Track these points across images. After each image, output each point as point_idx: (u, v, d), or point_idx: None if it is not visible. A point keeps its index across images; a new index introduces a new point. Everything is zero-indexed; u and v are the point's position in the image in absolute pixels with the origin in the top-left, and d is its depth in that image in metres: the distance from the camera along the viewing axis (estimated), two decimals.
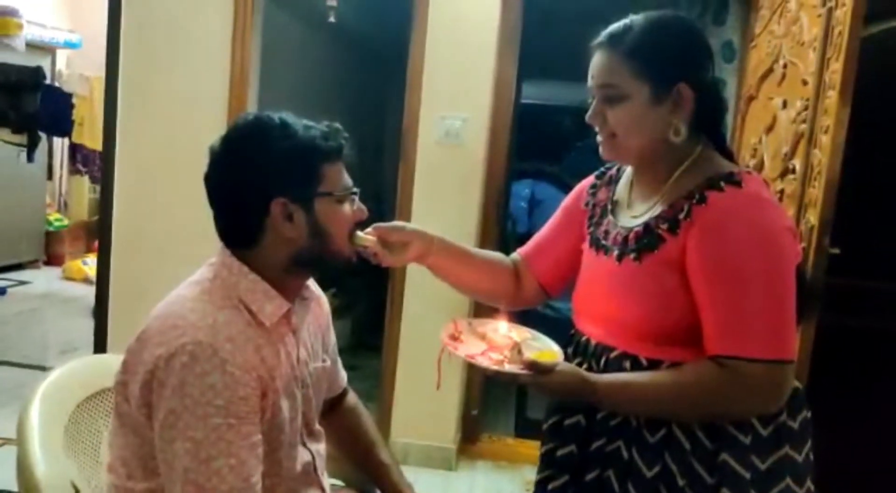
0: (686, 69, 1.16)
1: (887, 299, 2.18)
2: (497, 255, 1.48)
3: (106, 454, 1.17)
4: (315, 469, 1.27)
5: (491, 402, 3.43)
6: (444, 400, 2.99)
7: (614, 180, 1.35)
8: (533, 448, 3.09)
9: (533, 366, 1.09)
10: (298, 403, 1.19)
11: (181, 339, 1.03)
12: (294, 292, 1.21)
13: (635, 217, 1.23)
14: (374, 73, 6.09)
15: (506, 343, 1.17)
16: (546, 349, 1.16)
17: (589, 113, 1.21)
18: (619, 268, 1.20)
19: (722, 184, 1.12)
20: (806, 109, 1.95)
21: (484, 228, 2.97)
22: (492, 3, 2.83)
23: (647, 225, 1.18)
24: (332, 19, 2.81)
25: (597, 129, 1.22)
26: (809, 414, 1.18)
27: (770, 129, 2.23)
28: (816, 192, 1.85)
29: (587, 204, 1.37)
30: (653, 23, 1.18)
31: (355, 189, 1.21)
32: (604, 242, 1.26)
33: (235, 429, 1.02)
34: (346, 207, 1.19)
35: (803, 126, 1.95)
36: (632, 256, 1.18)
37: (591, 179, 1.41)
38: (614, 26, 1.20)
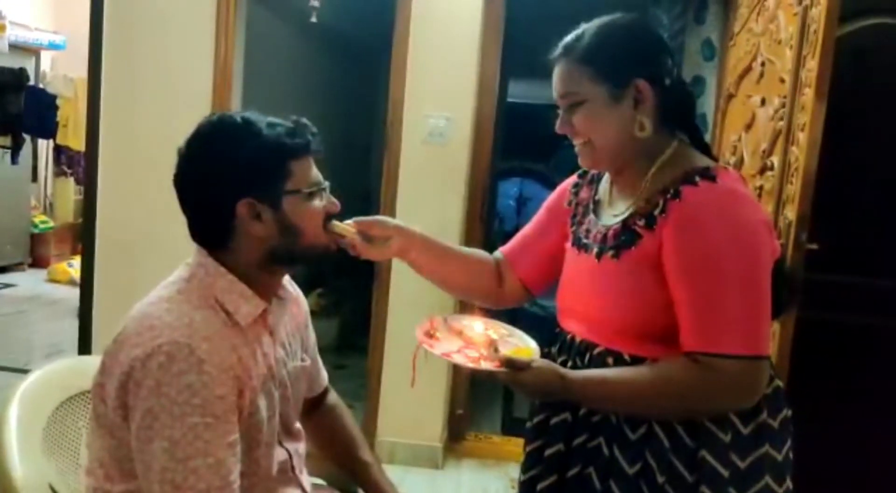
0: (640, 66, 1.17)
1: (865, 294, 2.21)
2: (480, 253, 1.48)
3: (85, 457, 1.16)
4: (293, 469, 1.27)
5: (477, 400, 3.44)
6: (431, 399, 3.00)
7: (596, 179, 1.36)
8: (520, 446, 3.11)
9: (508, 363, 1.10)
10: (276, 402, 1.20)
11: (157, 339, 1.03)
12: (271, 290, 1.22)
13: (615, 215, 1.24)
14: (360, 72, 6.08)
15: (482, 340, 1.17)
16: (523, 346, 1.17)
17: (557, 124, 1.23)
18: (599, 266, 1.20)
19: (696, 178, 1.12)
20: (783, 106, 1.97)
21: (468, 226, 2.98)
22: (474, 3, 2.84)
23: (624, 222, 1.19)
24: (314, 19, 2.80)
25: (571, 137, 1.23)
26: (790, 413, 1.18)
27: (749, 126, 2.25)
28: (794, 188, 1.87)
29: (570, 203, 1.38)
30: (602, 26, 1.20)
31: (325, 184, 1.21)
32: (585, 240, 1.27)
33: (213, 428, 1.02)
34: (316, 202, 1.18)
35: (781, 123, 1.97)
36: (610, 253, 1.19)
37: (573, 178, 1.42)
38: (568, 37, 1.22)
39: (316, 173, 1.20)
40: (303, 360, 1.32)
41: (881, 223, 2.22)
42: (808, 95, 1.82)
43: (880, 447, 2.21)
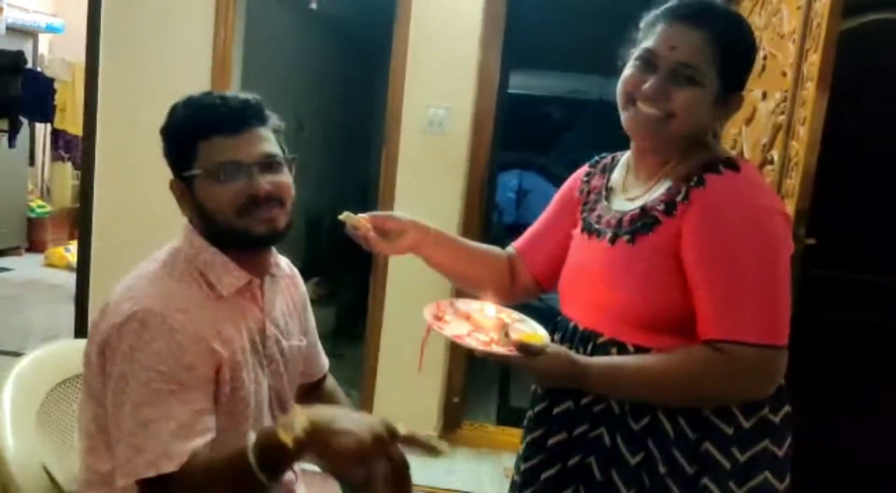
0: (746, 79, 1.17)
1: (863, 290, 2.21)
2: (493, 248, 1.46)
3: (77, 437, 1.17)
4: None
5: (473, 389, 3.45)
6: (426, 388, 3.00)
7: (609, 168, 1.34)
8: (514, 436, 3.12)
9: (522, 347, 1.08)
10: (263, 377, 1.20)
11: (134, 307, 1.06)
12: (255, 267, 1.20)
13: (631, 200, 1.22)
14: (360, 62, 6.06)
15: (491, 325, 1.15)
16: (532, 332, 1.15)
17: (651, 86, 1.13)
18: (612, 250, 1.19)
19: (720, 167, 1.11)
20: (785, 100, 1.96)
21: (467, 217, 2.97)
22: None
23: (643, 208, 1.17)
24: (313, 5, 2.79)
25: (646, 104, 1.14)
26: (790, 409, 1.18)
27: (750, 120, 2.25)
28: (793, 183, 1.87)
29: (581, 191, 1.36)
30: (733, 17, 1.17)
31: (260, 159, 1.13)
32: (596, 225, 1.25)
33: (176, 395, 1.03)
34: (224, 184, 1.11)
35: (782, 117, 1.97)
36: (626, 238, 1.17)
37: (584, 168, 1.40)
38: (708, 3, 1.14)
39: (236, 153, 1.12)
40: (300, 340, 1.32)
41: (880, 220, 2.21)
42: (810, 89, 1.81)
43: (878, 444, 2.22)
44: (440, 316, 1.17)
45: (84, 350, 1.13)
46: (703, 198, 1.10)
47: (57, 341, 1.45)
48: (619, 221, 1.20)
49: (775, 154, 1.99)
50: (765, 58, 2.18)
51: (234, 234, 1.14)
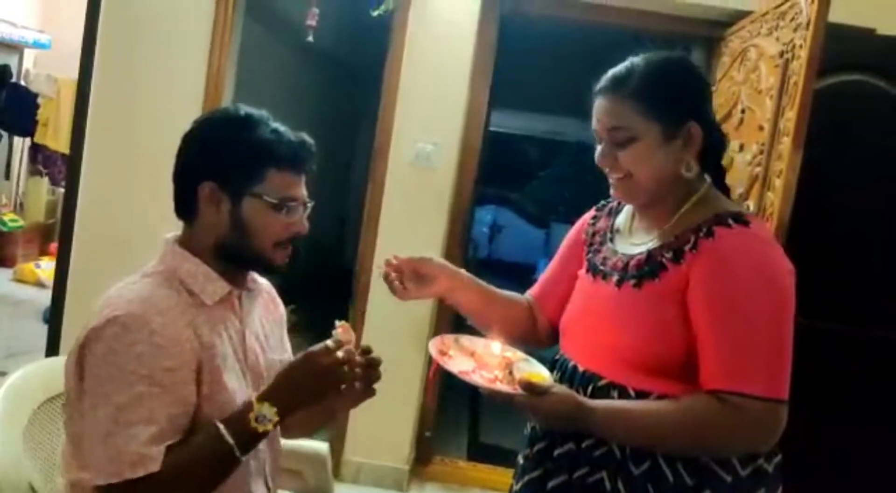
0: (693, 107, 1.19)
1: (833, 340, 2.26)
2: (515, 295, 1.47)
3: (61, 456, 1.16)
4: (263, 465, 1.27)
5: (444, 424, 3.44)
6: (400, 421, 3.00)
7: (615, 212, 1.37)
8: (484, 472, 3.14)
9: (528, 387, 1.09)
10: (246, 384, 1.21)
11: (115, 311, 1.08)
12: (234, 280, 1.24)
13: (636, 245, 1.24)
14: (348, 96, 6.11)
15: (496, 363, 1.16)
16: (536, 372, 1.16)
17: (598, 156, 1.22)
18: (618, 294, 1.20)
19: (730, 221, 1.14)
20: (761, 153, 2.04)
21: (449, 250, 3.00)
22: (467, 34, 2.90)
23: (650, 253, 1.20)
24: (310, 38, 2.84)
25: (607, 171, 1.23)
26: (781, 459, 1.20)
27: (727, 170, 2.32)
28: None
29: (587, 233, 1.38)
30: (656, 63, 1.20)
31: (302, 203, 1.23)
32: (601, 267, 1.27)
33: (158, 397, 1.05)
34: (280, 216, 1.19)
35: (758, 169, 2.05)
36: (632, 282, 1.19)
37: (592, 211, 1.43)
38: (615, 70, 1.21)
39: (297, 192, 1.22)
40: (281, 355, 1.34)
41: (851, 272, 2.29)
42: (786, 143, 1.90)
43: (862, 465, 2.24)
44: (444, 351, 1.18)
45: (65, 362, 1.14)
46: (712, 248, 1.12)
47: (34, 361, 1.44)
48: (626, 264, 1.22)
49: (751, 204, 2.06)
50: (742, 111, 2.27)
51: (256, 257, 1.21)
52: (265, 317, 1.33)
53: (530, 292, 1.47)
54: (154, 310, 1.09)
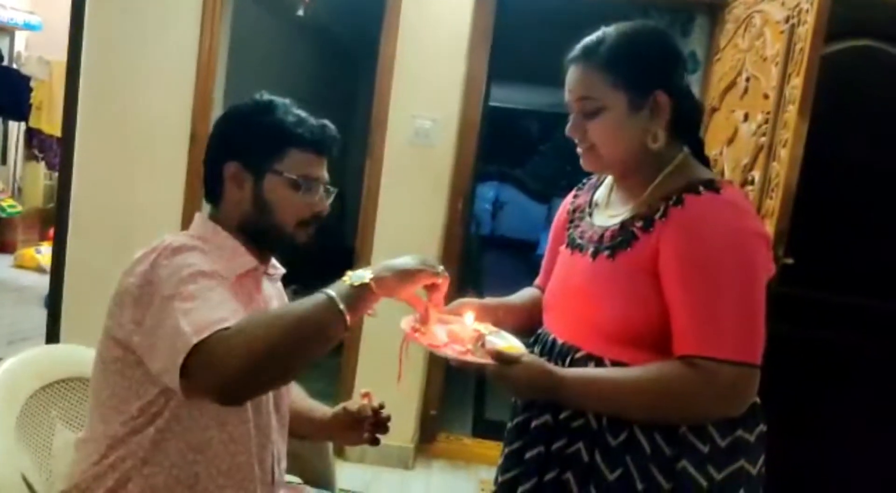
0: (661, 77, 1.18)
1: (837, 310, 2.25)
2: (533, 292, 1.47)
3: (58, 445, 1.14)
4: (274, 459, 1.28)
5: (449, 401, 3.44)
6: (404, 399, 2.99)
7: (595, 187, 1.37)
8: (490, 448, 3.14)
9: (499, 356, 1.09)
10: None
11: (164, 243, 1.12)
12: (259, 260, 1.26)
13: (612, 217, 1.24)
14: (343, 72, 6.05)
15: (469, 336, 1.16)
16: (509, 345, 1.16)
17: (568, 126, 1.23)
18: (593, 265, 1.21)
19: (700, 188, 1.13)
20: (766, 122, 2.00)
21: (449, 229, 2.97)
22: (464, 5, 2.84)
23: (622, 223, 1.20)
24: (300, 12, 2.78)
25: (577, 141, 1.23)
26: (765, 428, 1.19)
27: (731, 140, 2.29)
28: (774, 203, 1.90)
29: (569, 212, 1.38)
30: (625, 33, 1.19)
31: (323, 185, 1.28)
32: (579, 240, 1.27)
33: (221, 287, 1.08)
34: (299, 194, 1.24)
35: (763, 139, 2.01)
36: (606, 253, 1.19)
37: (573, 191, 1.43)
38: (587, 40, 1.21)
39: (317, 172, 1.26)
40: None
41: (856, 241, 2.26)
42: (792, 112, 1.85)
43: (848, 463, 2.25)
44: (417, 328, 1.18)
45: (107, 323, 1.13)
46: (681, 216, 1.12)
47: (32, 347, 1.41)
48: (601, 236, 1.22)
49: (756, 175, 2.02)
50: (747, 80, 2.22)
51: (280, 235, 1.25)
52: (280, 302, 1.36)
53: (537, 282, 1.48)
54: (200, 248, 1.14)
